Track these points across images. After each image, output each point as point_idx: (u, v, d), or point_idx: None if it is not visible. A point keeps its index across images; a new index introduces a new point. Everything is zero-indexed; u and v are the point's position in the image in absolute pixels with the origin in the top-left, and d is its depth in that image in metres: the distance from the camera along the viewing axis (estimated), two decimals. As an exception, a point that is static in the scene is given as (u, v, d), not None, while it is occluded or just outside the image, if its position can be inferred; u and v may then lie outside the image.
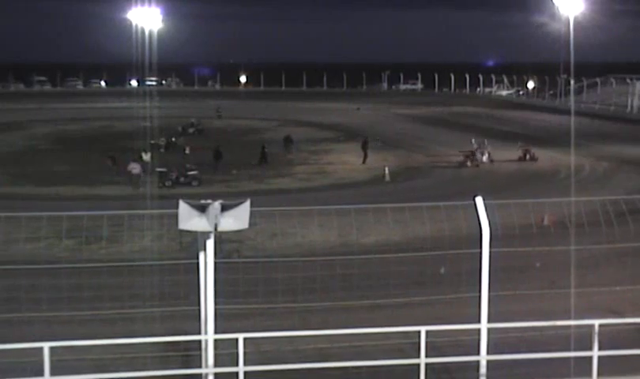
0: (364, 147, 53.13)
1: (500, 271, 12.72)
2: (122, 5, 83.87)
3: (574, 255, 18.36)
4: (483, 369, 12.35)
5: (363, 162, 51.46)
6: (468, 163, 47.72)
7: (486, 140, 50.87)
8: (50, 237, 25.21)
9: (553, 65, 65.71)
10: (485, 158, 48.50)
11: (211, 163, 48.48)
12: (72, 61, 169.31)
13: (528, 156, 49.77)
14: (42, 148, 61.09)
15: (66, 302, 17.18)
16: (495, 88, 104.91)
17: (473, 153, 48.58)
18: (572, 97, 73.97)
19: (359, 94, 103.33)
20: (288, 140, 58.37)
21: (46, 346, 10.99)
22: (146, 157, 46.94)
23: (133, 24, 73.46)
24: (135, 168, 43.59)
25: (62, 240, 24.69)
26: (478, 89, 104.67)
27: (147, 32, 70.08)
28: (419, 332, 11.82)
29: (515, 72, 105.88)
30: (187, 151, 53.56)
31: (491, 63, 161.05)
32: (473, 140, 50.59)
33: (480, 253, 12.14)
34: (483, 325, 12.32)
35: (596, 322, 12.24)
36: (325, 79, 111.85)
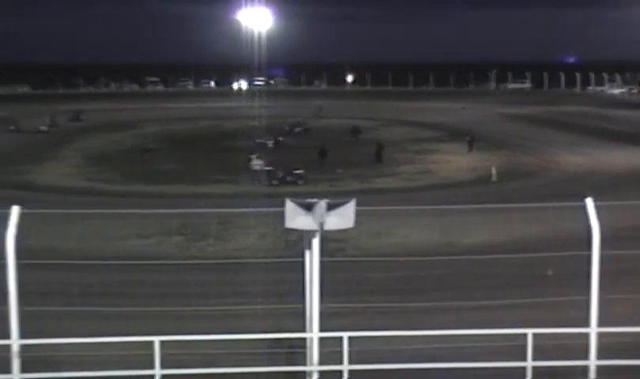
0: (470, 140, 53.80)
1: (610, 274, 12.34)
2: (232, 6, 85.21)
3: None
4: (592, 375, 12.04)
5: (469, 151, 52.16)
6: None
7: None
8: (159, 234, 25.86)
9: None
10: None
11: (317, 161, 48.96)
12: (183, 62, 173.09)
13: None
14: (151, 146, 62.62)
15: (175, 297, 17.53)
16: (607, 87, 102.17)
17: None
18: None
19: (466, 93, 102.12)
20: (356, 131, 59.66)
21: (156, 340, 11.26)
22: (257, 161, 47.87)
23: (243, 25, 74.66)
24: (257, 165, 45.07)
25: (171, 237, 25.31)
26: (589, 88, 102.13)
27: (256, 33, 71.06)
28: (525, 334, 11.62)
29: (629, 70, 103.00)
30: (271, 145, 55.26)
31: (602, 61, 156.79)
32: None
33: (590, 255, 11.85)
34: (593, 329, 12.00)
35: None
36: (431, 78, 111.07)
